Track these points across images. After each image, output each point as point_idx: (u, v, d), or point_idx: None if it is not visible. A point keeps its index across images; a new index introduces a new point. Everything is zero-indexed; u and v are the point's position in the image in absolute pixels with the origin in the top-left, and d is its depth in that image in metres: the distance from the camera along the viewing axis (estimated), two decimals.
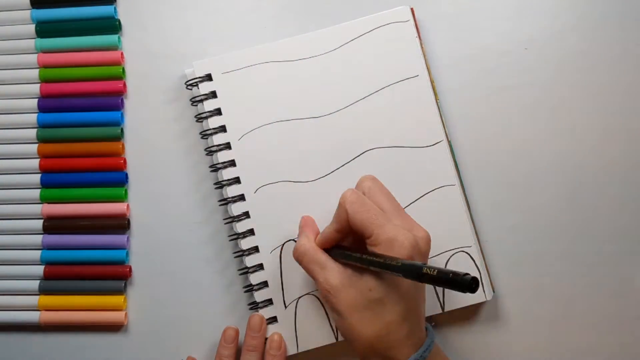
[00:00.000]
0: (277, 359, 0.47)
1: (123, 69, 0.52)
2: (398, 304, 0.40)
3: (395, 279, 0.40)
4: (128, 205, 0.51)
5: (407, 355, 0.40)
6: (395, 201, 0.44)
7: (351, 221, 0.41)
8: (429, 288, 0.47)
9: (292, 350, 0.48)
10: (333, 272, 0.42)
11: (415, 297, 0.41)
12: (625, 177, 0.49)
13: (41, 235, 0.51)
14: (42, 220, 0.51)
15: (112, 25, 0.51)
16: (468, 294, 0.33)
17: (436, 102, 0.49)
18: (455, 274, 0.33)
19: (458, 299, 0.47)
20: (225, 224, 0.50)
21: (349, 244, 0.44)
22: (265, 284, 0.48)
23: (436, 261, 0.47)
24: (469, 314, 0.49)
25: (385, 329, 0.40)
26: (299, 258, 0.44)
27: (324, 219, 0.47)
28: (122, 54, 0.52)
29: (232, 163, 0.49)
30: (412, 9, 0.49)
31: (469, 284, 0.33)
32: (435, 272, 0.35)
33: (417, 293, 0.41)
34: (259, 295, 0.48)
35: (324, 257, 0.43)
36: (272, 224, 0.48)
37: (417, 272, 0.36)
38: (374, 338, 0.40)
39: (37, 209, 0.51)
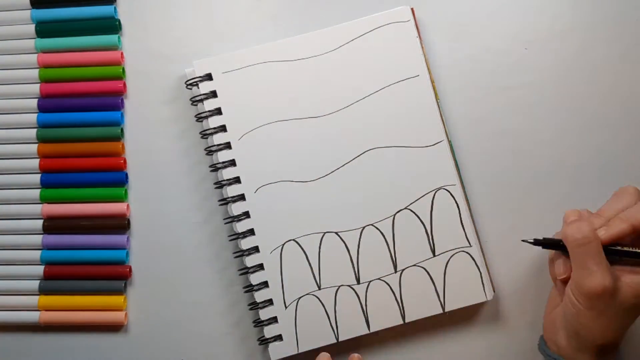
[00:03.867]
0: None
1: (123, 69, 0.52)
2: None
3: None
4: (128, 205, 0.51)
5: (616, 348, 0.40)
6: None
7: None
8: (429, 288, 0.47)
9: (292, 351, 0.47)
10: (608, 273, 0.38)
11: None
12: (625, 176, 0.49)
13: (41, 235, 0.51)
14: (42, 220, 0.51)
15: (112, 25, 0.51)
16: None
17: (436, 102, 0.49)
18: None
19: (458, 299, 0.47)
20: (225, 224, 0.50)
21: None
22: (265, 284, 0.48)
23: (436, 261, 0.47)
24: (469, 314, 0.49)
25: (623, 330, 0.39)
26: (579, 244, 0.39)
27: (324, 219, 0.48)
28: (122, 54, 0.52)
29: (232, 163, 0.48)
30: (412, 9, 0.49)
31: None
32: None
33: None
34: (259, 296, 0.48)
35: (603, 255, 0.39)
36: (273, 224, 0.48)
37: None
38: (612, 340, 0.39)
39: (37, 209, 0.51)
